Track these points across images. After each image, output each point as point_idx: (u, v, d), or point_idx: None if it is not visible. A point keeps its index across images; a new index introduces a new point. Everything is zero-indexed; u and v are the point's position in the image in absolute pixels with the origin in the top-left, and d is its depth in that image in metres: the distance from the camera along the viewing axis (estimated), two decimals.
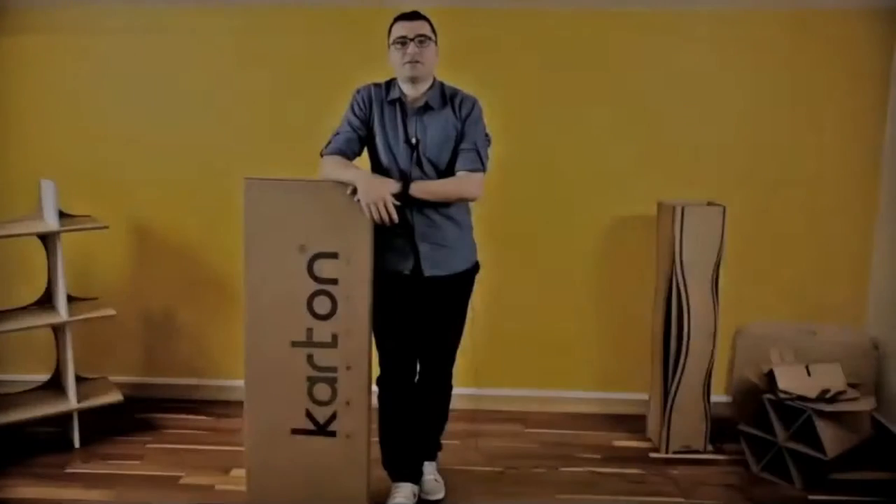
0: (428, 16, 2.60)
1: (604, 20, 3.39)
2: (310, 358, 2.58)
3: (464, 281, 2.70)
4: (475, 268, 2.74)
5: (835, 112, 3.44)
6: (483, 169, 2.60)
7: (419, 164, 2.57)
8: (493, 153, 2.71)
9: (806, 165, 3.48)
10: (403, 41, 2.53)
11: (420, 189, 2.51)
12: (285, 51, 3.49)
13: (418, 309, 2.66)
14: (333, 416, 2.60)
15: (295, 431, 2.62)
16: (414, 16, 2.57)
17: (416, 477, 2.83)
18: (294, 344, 2.58)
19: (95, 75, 3.55)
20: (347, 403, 2.59)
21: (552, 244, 3.57)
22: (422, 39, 2.53)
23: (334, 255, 2.52)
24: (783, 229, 3.53)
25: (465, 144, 2.59)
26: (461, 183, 2.56)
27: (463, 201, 2.63)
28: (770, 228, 3.53)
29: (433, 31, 2.60)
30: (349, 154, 2.61)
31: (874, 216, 3.51)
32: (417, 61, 2.52)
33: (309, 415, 2.61)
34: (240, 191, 3.56)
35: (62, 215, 3.17)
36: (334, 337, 2.56)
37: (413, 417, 2.77)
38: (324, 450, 2.61)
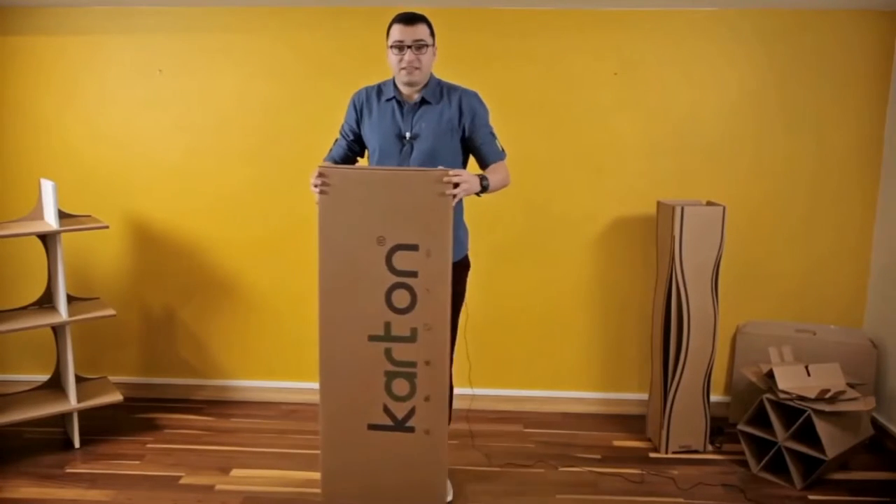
0: (427, 17, 2.58)
1: (603, 20, 3.40)
2: (388, 352, 2.50)
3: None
4: (463, 262, 2.73)
5: (835, 112, 3.44)
6: (505, 155, 2.69)
7: (410, 158, 2.60)
8: None
9: (806, 165, 3.48)
10: (401, 46, 2.53)
11: (492, 186, 2.54)
12: (285, 51, 3.49)
13: None
14: (412, 412, 2.52)
15: (372, 427, 2.56)
16: (412, 19, 2.54)
17: None
18: (371, 338, 2.50)
19: (96, 75, 3.55)
20: (426, 399, 2.51)
21: (552, 244, 3.57)
22: (419, 45, 2.52)
23: (414, 248, 2.43)
24: (783, 229, 3.53)
25: (483, 138, 2.64)
26: (505, 173, 2.62)
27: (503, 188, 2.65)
28: (770, 228, 3.53)
29: (432, 33, 2.59)
30: (339, 163, 2.73)
31: (874, 216, 3.51)
32: (416, 67, 2.54)
33: (387, 410, 2.54)
34: (239, 191, 3.60)
35: (62, 215, 3.17)
36: (413, 331, 2.48)
37: None
38: (402, 446, 2.54)
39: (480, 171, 2.57)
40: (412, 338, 2.48)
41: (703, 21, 3.39)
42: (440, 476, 2.57)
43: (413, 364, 2.50)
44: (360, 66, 3.40)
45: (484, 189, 2.50)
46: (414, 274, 2.44)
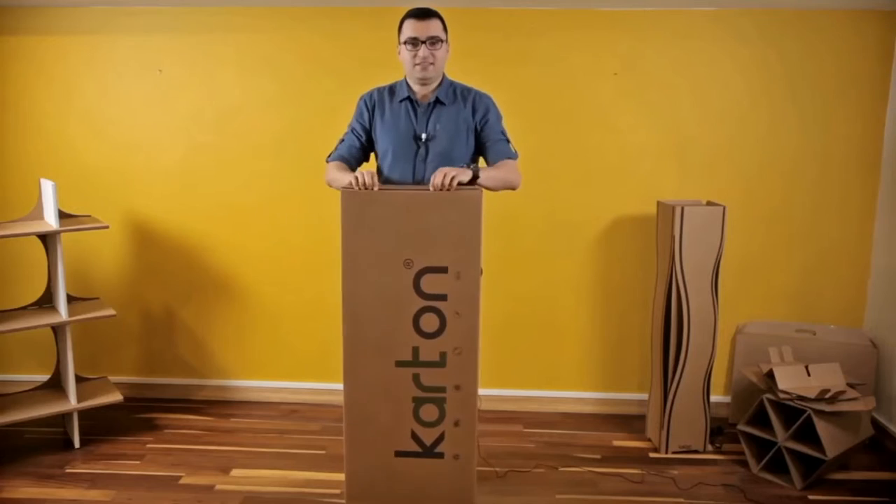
0: (440, 13, 2.55)
1: (604, 20, 3.40)
2: (416, 378, 2.43)
3: None
4: None
5: (835, 112, 3.44)
6: (517, 156, 2.64)
7: (425, 160, 2.57)
8: None
9: (806, 165, 3.48)
10: (415, 42, 2.51)
11: (486, 176, 2.47)
12: (286, 51, 3.49)
13: None
14: (441, 437, 2.47)
15: (399, 454, 2.49)
16: (426, 14, 2.52)
17: None
18: (399, 364, 2.43)
19: (96, 75, 3.55)
20: (456, 424, 2.46)
21: (552, 244, 3.57)
22: (433, 41, 2.51)
23: (444, 270, 2.36)
24: (783, 229, 3.53)
25: (493, 137, 2.62)
26: (508, 170, 2.56)
27: (508, 189, 2.59)
28: (770, 228, 3.53)
29: (445, 29, 2.57)
30: (350, 160, 2.66)
31: (874, 216, 3.51)
32: (430, 63, 2.52)
33: (415, 436, 2.48)
34: (237, 190, 3.59)
35: (62, 215, 3.17)
36: (442, 355, 2.42)
37: None
38: (430, 472, 2.49)
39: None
40: (441, 362, 2.42)
41: (704, 21, 3.39)
42: (470, 502, 2.51)
43: (442, 389, 2.44)
44: (361, 66, 3.41)
45: (475, 178, 2.41)
46: (443, 297, 2.38)
